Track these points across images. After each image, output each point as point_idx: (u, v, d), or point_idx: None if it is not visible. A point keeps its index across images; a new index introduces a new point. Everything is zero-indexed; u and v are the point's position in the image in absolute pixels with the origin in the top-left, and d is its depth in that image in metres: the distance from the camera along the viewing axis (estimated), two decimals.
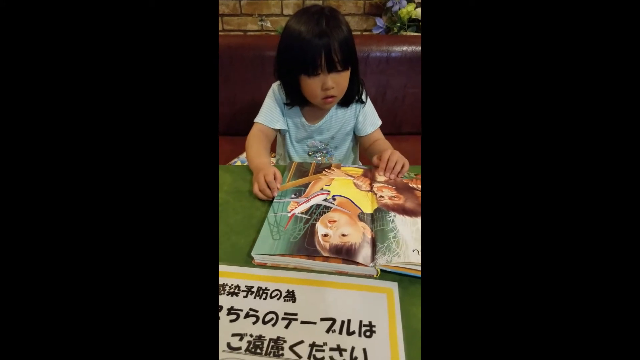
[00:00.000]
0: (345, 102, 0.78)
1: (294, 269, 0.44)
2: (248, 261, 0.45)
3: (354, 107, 0.80)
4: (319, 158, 0.85)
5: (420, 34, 1.37)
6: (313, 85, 0.68)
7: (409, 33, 1.38)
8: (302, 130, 0.81)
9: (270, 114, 0.77)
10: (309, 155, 0.85)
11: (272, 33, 1.54)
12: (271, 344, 0.35)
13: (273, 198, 0.57)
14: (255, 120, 0.78)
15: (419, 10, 1.37)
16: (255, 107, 0.82)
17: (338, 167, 0.67)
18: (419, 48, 1.21)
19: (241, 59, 1.18)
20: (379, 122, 0.83)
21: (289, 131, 0.81)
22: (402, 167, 0.63)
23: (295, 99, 0.75)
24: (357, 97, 0.78)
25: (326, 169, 0.66)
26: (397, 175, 0.63)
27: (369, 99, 0.82)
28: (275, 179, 0.59)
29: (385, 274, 0.43)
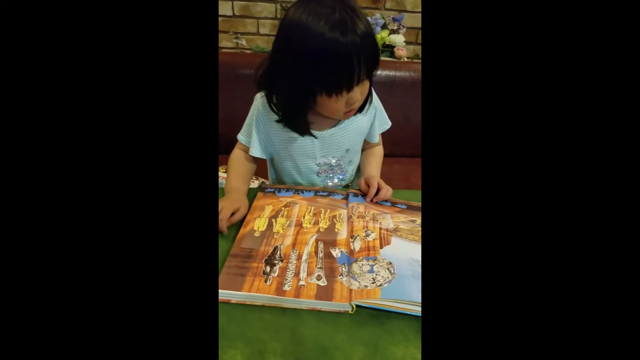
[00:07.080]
0: (362, 107, 0.62)
1: (262, 306, 0.40)
2: None
3: (369, 111, 0.66)
4: (330, 183, 0.70)
5: (392, 59, 1.41)
6: (338, 105, 0.54)
7: (383, 58, 1.42)
8: (306, 142, 0.64)
9: (250, 136, 0.65)
10: (318, 175, 0.69)
11: (247, 51, 1.53)
12: None
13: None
14: (238, 137, 0.68)
15: (392, 36, 1.41)
16: (229, 125, 0.75)
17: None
18: (392, 72, 1.24)
19: None
20: (387, 125, 0.72)
21: (283, 149, 0.66)
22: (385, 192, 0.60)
23: (296, 120, 0.60)
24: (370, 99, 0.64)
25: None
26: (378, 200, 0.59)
27: (377, 98, 0.69)
28: (232, 215, 0.51)
29: (362, 313, 0.39)
